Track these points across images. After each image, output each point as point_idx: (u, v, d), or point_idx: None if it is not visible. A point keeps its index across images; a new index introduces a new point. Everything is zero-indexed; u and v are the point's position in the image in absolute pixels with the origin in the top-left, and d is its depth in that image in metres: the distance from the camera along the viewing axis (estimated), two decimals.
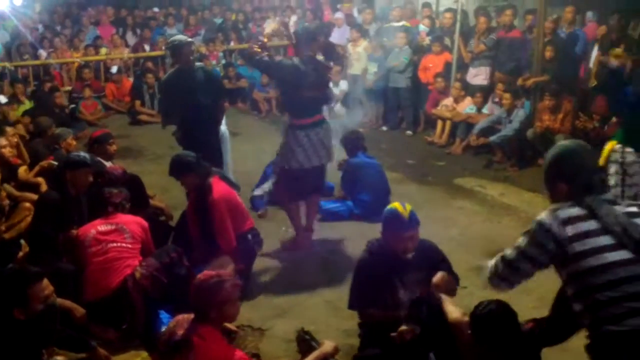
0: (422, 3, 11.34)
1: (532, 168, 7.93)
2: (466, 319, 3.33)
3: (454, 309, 3.46)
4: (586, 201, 2.73)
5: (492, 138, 8.38)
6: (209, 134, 6.24)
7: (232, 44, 13.16)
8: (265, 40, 5.75)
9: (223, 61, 12.64)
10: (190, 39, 6.18)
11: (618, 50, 7.21)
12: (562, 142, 3.05)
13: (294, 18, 13.36)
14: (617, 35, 8.44)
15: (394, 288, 3.74)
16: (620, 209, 2.73)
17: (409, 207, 3.71)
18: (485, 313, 3.18)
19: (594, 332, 2.69)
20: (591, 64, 8.88)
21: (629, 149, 4.76)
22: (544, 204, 3.01)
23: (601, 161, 4.81)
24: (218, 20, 14.47)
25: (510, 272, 2.82)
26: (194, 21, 14.15)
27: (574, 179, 2.79)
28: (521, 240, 2.81)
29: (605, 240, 2.65)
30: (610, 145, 4.89)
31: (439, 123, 9.60)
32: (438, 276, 3.61)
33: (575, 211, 2.72)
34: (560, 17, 9.20)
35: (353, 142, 6.74)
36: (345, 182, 6.73)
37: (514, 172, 7.95)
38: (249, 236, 5.00)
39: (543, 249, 2.73)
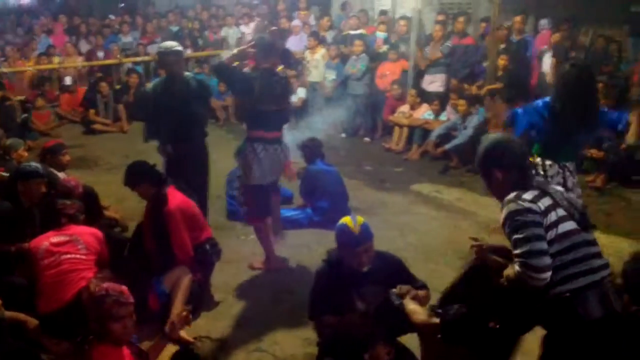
0: (379, 11, 11.44)
1: None
2: (433, 320, 3.34)
3: (418, 310, 3.46)
4: (534, 183, 3.05)
5: (448, 146, 8.51)
6: (201, 147, 5.91)
7: (188, 51, 13.03)
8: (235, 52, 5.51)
9: None
10: (178, 47, 5.74)
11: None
12: (490, 135, 3.35)
13: (251, 25, 13.31)
14: (569, 42, 8.64)
15: (351, 300, 3.68)
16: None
17: (360, 220, 3.62)
18: (457, 317, 3.21)
19: (550, 293, 2.90)
20: (544, 69, 9.11)
21: (548, 162, 4.79)
22: (499, 207, 3.11)
23: None
24: (174, 28, 14.33)
25: (540, 256, 2.83)
26: (151, 29, 14.00)
27: (506, 163, 3.07)
28: (519, 235, 2.88)
29: (560, 212, 2.97)
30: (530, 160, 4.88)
31: (396, 130, 9.69)
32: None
33: (531, 193, 2.99)
34: (512, 25, 9.38)
35: (311, 149, 6.73)
36: (304, 190, 6.71)
37: (470, 177, 8.03)
38: (207, 246, 4.92)
39: (540, 225, 2.90)
